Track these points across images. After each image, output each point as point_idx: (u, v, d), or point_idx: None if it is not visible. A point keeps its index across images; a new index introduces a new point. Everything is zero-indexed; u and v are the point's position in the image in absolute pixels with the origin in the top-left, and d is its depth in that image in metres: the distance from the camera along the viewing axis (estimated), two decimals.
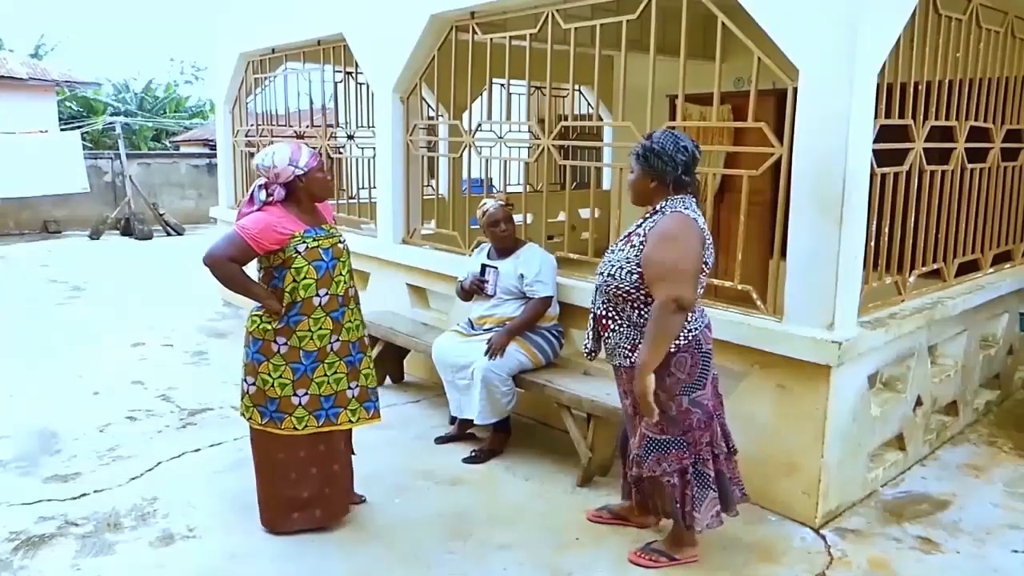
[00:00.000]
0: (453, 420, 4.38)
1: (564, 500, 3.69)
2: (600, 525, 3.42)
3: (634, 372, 2.83)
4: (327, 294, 3.20)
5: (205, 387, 5.31)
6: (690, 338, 2.85)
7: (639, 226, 2.92)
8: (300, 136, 6.70)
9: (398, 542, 3.29)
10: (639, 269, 2.82)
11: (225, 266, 3.11)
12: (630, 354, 2.89)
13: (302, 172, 3.16)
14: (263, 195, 3.17)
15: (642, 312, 2.86)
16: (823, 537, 3.35)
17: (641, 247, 2.83)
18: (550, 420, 4.42)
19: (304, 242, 3.14)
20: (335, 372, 3.27)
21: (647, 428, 2.95)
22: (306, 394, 3.22)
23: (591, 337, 3.10)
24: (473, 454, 4.13)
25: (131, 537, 3.33)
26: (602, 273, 2.96)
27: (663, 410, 2.88)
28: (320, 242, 3.19)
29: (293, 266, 3.12)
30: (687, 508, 2.97)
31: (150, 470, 3.99)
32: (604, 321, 2.98)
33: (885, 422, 3.79)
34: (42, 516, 3.49)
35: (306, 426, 3.24)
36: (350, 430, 3.47)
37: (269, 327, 3.18)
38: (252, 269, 3.25)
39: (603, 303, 2.98)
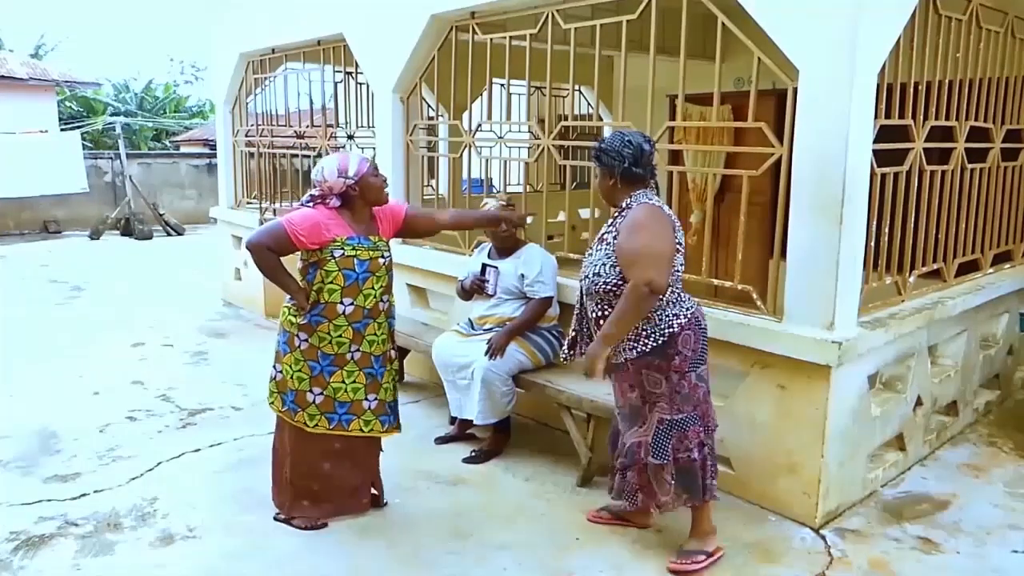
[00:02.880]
0: (453, 420, 4.38)
1: (564, 500, 3.69)
2: (600, 525, 3.42)
3: (640, 361, 2.95)
4: (352, 304, 3.22)
5: (205, 387, 5.31)
6: (689, 315, 2.97)
7: (610, 225, 3.04)
8: (300, 136, 6.71)
9: (398, 542, 3.29)
10: (616, 262, 2.93)
11: (263, 254, 3.16)
12: (635, 345, 2.94)
13: (353, 181, 3.21)
14: (318, 202, 3.23)
15: None
16: (823, 537, 3.35)
17: (615, 242, 2.95)
18: (550, 420, 4.42)
19: (343, 248, 3.18)
20: (354, 381, 3.31)
21: (663, 412, 3.00)
22: (321, 394, 3.28)
23: (584, 340, 3.16)
24: (473, 454, 4.13)
25: (131, 537, 3.33)
26: (587, 276, 3.04)
27: (676, 390, 2.96)
28: (358, 252, 3.21)
29: (324, 268, 3.19)
30: (707, 481, 3.06)
31: (150, 470, 3.99)
32: (601, 321, 3.00)
33: (885, 422, 3.79)
34: (42, 516, 3.50)
35: (317, 425, 3.30)
36: (376, 442, 3.53)
37: (294, 320, 3.25)
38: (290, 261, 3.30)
39: (596, 304, 3.04)
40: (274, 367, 3.36)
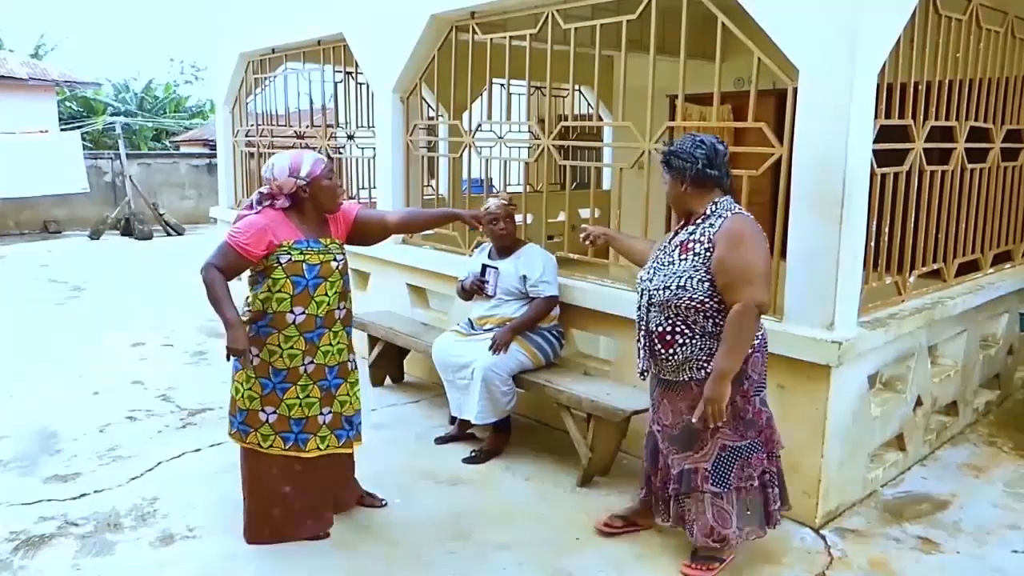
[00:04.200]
0: (453, 420, 4.38)
1: (564, 500, 3.69)
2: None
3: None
4: (303, 313, 3.03)
5: (205, 387, 5.30)
6: (760, 337, 2.85)
7: (691, 233, 2.85)
8: (300, 136, 6.70)
9: (398, 542, 3.29)
10: (709, 276, 2.75)
11: (211, 276, 2.93)
12: (706, 364, 2.80)
13: (305, 183, 3.01)
14: (266, 203, 3.06)
15: (716, 320, 2.78)
16: (823, 537, 3.35)
17: (707, 254, 2.77)
18: (550, 420, 4.42)
19: (289, 253, 2.98)
20: (308, 396, 3.13)
21: (726, 438, 2.87)
22: (274, 413, 3.11)
23: (644, 356, 2.97)
24: (473, 454, 4.13)
25: (131, 537, 3.33)
26: (667, 287, 2.81)
27: (740, 415, 2.86)
28: (307, 256, 3.01)
29: (271, 276, 2.99)
30: (771, 508, 2.97)
31: (150, 470, 3.99)
32: (669, 337, 2.83)
33: (885, 422, 3.79)
34: (42, 516, 3.49)
35: (271, 446, 3.14)
36: (349, 457, 3.39)
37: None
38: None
39: (667, 319, 2.84)
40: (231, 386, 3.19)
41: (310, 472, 3.23)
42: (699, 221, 2.85)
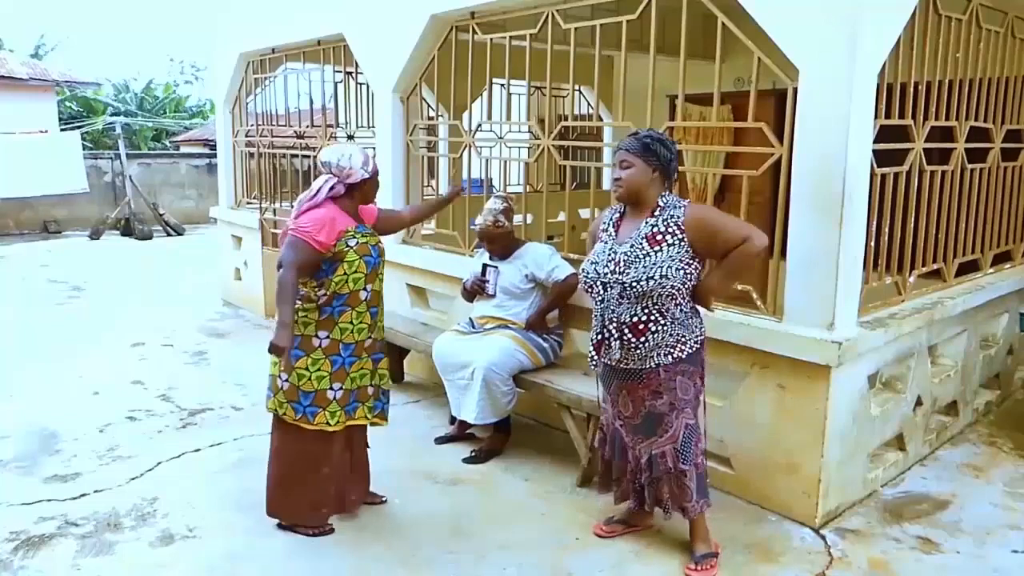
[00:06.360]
0: (453, 420, 4.38)
1: (564, 500, 3.69)
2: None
3: (675, 367, 2.94)
4: (370, 290, 3.28)
5: (205, 387, 5.31)
6: (703, 327, 3.00)
7: (654, 226, 2.90)
8: (300, 136, 6.71)
9: (398, 542, 3.29)
10: (683, 265, 2.87)
11: (287, 275, 3.04)
12: (672, 349, 2.91)
13: (367, 176, 3.29)
14: (327, 191, 3.23)
15: (683, 307, 2.92)
16: (823, 537, 3.35)
17: (681, 243, 2.87)
18: (550, 420, 4.42)
19: (355, 237, 3.21)
20: (362, 369, 3.34)
21: (688, 417, 3.01)
22: (341, 388, 3.28)
23: (613, 347, 2.98)
24: (473, 454, 4.13)
25: (131, 537, 3.33)
26: (651, 277, 2.83)
27: (698, 396, 3.03)
28: (368, 239, 3.26)
29: (345, 259, 3.17)
30: (707, 482, 3.13)
31: (150, 470, 3.99)
32: (643, 326, 2.89)
33: (885, 422, 3.79)
34: (42, 516, 3.50)
35: (338, 421, 3.29)
36: (366, 429, 3.54)
37: (311, 319, 3.19)
38: None
39: (643, 308, 2.89)
40: (279, 377, 3.23)
41: (351, 449, 3.45)
42: (656, 213, 2.94)
